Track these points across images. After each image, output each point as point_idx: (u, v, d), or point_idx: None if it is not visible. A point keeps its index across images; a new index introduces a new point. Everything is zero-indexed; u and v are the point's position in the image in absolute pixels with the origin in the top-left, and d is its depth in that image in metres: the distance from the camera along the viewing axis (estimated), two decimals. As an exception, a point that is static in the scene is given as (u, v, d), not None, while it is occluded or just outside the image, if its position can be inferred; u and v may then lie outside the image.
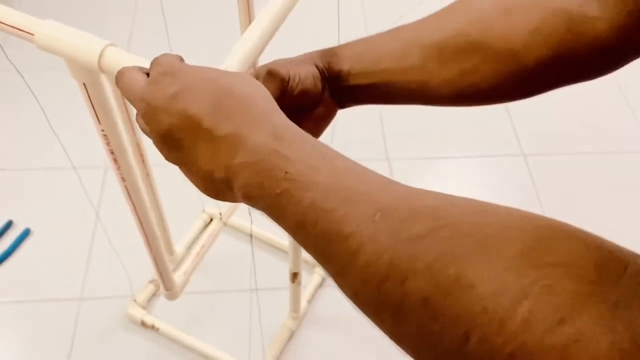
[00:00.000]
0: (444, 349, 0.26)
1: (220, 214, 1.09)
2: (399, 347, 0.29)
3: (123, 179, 0.70)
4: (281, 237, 1.27)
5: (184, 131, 0.35)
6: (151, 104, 0.37)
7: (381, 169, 1.44)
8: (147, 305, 1.18)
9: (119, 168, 0.68)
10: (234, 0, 0.78)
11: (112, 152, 0.66)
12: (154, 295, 1.20)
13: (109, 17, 1.75)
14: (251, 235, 1.28)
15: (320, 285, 1.23)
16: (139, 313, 1.15)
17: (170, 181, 1.16)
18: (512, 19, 0.44)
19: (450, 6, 0.48)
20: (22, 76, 0.78)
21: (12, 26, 0.52)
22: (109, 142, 0.65)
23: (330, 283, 1.24)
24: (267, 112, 0.36)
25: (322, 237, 0.31)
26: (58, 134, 1.50)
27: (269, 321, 1.16)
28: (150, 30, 1.70)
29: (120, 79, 0.41)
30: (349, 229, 0.30)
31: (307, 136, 0.35)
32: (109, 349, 1.14)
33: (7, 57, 0.76)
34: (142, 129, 0.39)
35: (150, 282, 1.18)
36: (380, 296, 0.28)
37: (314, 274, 1.23)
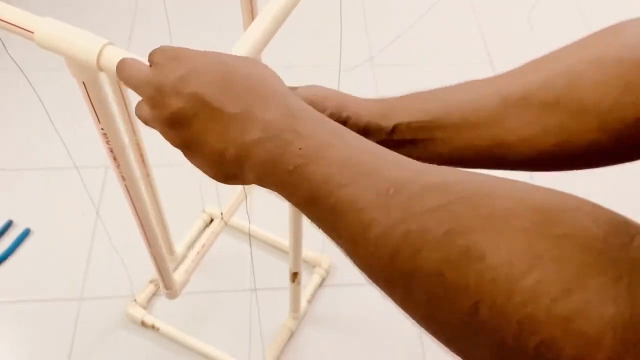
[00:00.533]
0: (454, 319, 0.27)
1: (222, 214, 1.09)
2: (409, 317, 0.30)
3: (123, 178, 0.70)
4: (281, 236, 1.27)
5: (194, 112, 0.35)
6: (159, 87, 0.36)
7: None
8: (147, 305, 1.18)
9: (118, 167, 0.68)
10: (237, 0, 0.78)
11: (111, 151, 0.66)
12: (154, 295, 1.20)
13: (109, 17, 1.74)
14: (250, 235, 1.28)
15: (320, 285, 1.23)
16: (139, 313, 1.15)
17: (171, 181, 1.17)
18: (606, 71, 0.38)
19: (534, 60, 0.43)
20: (25, 75, 0.78)
21: (12, 24, 0.52)
22: (109, 141, 0.65)
23: (330, 283, 1.24)
24: (280, 92, 0.36)
25: (335, 212, 0.31)
26: (58, 134, 1.50)
27: (269, 321, 1.16)
28: (151, 30, 1.70)
29: (122, 67, 0.41)
30: (362, 203, 0.30)
31: (321, 116, 0.35)
32: (109, 349, 1.14)
33: (9, 55, 0.75)
34: (144, 118, 0.39)
35: (151, 282, 1.18)
36: (392, 268, 0.29)
37: (314, 274, 1.23)
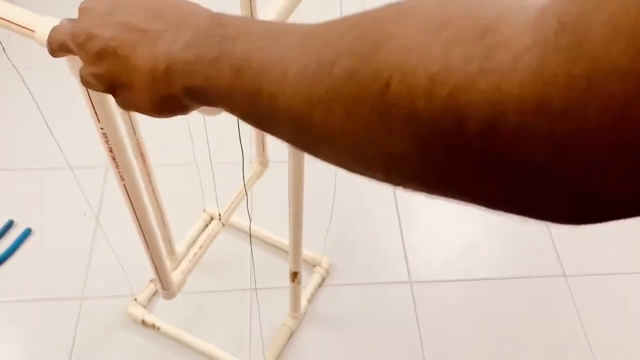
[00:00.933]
0: (368, 107, 0.25)
1: (219, 215, 1.09)
2: (338, 149, 0.29)
3: (122, 178, 0.71)
4: (282, 236, 1.27)
5: (121, 39, 0.35)
6: (84, 27, 0.37)
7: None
8: (147, 304, 1.18)
9: (117, 166, 0.69)
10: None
11: (111, 151, 0.66)
12: (154, 294, 1.20)
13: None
14: (250, 235, 1.29)
15: (320, 285, 1.24)
16: (139, 312, 1.15)
17: (171, 181, 1.17)
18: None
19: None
20: (22, 77, 0.78)
21: (13, 22, 0.52)
22: (108, 141, 0.65)
23: (330, 282, 1.24)
24: (204, 9, 0.36)
25: (258, 75, 0.30)
26: (59, 134, 1.51)
27: (269, 320, 1.16)
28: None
29: (50, 33, 0.42)
30: (279, 53, 0.30)
31: (250, 18, 0.36)
32: (110, 348, 1.15)
33: (7, 57, 0.76)
34: (82, 74, 0.39)
35: (151, 281, 1.19)
36: (312, 95, 0.27)
37: (314, 274, 1.24)
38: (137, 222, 0.78)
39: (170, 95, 0.35)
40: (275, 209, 1.37)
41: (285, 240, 1.24)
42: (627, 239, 1.34)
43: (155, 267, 0.87)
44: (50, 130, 0.83)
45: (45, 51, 0.57)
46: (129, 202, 0.75)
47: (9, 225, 1.30)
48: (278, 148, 1.17)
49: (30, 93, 0.81)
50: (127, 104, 0.38)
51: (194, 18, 0.35)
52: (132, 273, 1.24)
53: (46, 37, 0.51)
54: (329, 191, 1.39)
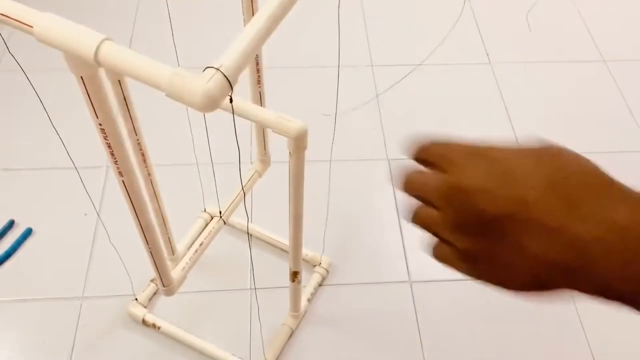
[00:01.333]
0: None
1: (220, 212, 1.09)
2: None
3: (120, 174, 0.71)
4: (282, 236, 1.28)
5: (514, 217, 0.30)
6: (464, 187, 0.32)
7: (381, 168, 1.45)
8: (148, 304, 1.19)
9: (116, 162, 0.69)
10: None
11: (109, 146, 0.66)
12: (155, 294, 1.21)
13: (109, 11, 1.75)
14: (249, 235, 1.29)
15: (320, 284, 1.24)
16: (140, 312, 1.15)
17: (171, 181, 1.17)
18: None
19: None
20: (26, 75, 0.79)
21: (11, 18, 0.53)
22: (107, 136, 0.65)
23: (330, 282, 1.25)
24: (614, 185, 0.32)
25: None
26: (60, 134, 1.51)
27: (269, 320, 1.16)
28: (152, 21, 1.71)
29: (408, 180, 0.37)
30: None
31: None
32: (111, 348, 1.15)
33: (10, 54, 0.76)
34: (425, 219, 0.34)
35: (152, 281, 1.19)
36: None
37: (314, 273, 1.24)
38: (136, 218, 0.78)
39: (557, 282, 0.31)
40: (275, 208, 1.37)
41: (285, 240, 1.24)
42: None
43: (155, 263, 0.88)
44: (55, 130, 0.83)
45: (46, 52, 0.57)
46: (128, 199, 0.75)
47: (10, 225, 1.30)
48: (279, 147, 1.17)
49: (37, 94, 0.81)
50: (475, 272, 0.34)
51: (610, 204, 0.30)
52: (133, 273, 1.24)
53: (41, 33, 0.52)
54: (329, 191, 1.39)
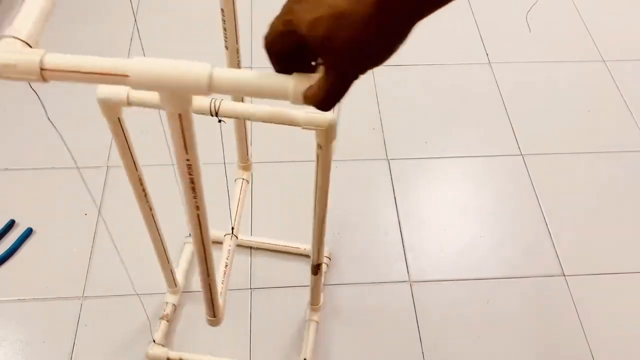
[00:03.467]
0: None
1: (232, 229, 1.08)
2: None
3: (197, 208, 0.67)
4: (277, 237, 1.28)
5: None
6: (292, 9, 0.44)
7: (381, 169, 1.45)
8: (165, 342, 1.16)
9: (195, 197, 0.65)
10: None
11: (192, 182, 0.63)
12: (168, 330, 1.18)
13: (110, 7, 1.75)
14: (250, 249, 1.29)
15: (325, 272, 1.24)
16: (161, 352, 1.13)
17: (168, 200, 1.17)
18: None
19: None
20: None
21: (104, 73, 0.49)
22: (191, 172, 0.61)
23: (329, 282, 1.25)
24: None
25: None
26: (60, 134, 1.50)
27: (282, 325, 1.16)
28: (153, 24, 1.71)
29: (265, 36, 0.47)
30: None
31: None
32: (111, 347, 1.15)
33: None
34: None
35: (161, 318, 1.17)
36: None
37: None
38: (202, 251, 0.75)
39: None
40: (263, 210, 1.38)
41: (281, 242, 1.26)
42: (627, 238, 1.35)
43: (211, 295, 0.85)
44: (57, 130, 0.83)
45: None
46: (199, 234, 0.72)
47: (10, 224, 1.30)
48: (260, 149, 1.17)
49: (37, 94, 0.81)
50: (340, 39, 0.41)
51: None
52: (133, 273, 1.24)
53: (139, 79, 0.49)
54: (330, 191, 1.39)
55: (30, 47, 0.50)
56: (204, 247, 0.75)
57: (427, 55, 1.73)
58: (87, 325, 1.17)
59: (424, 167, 1.47)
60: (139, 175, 0.83)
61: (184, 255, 1.26)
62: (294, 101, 0.48)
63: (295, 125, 0.72)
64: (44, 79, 0.48)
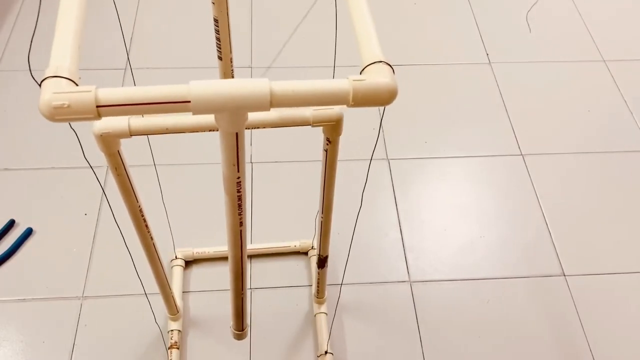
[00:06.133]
0: None
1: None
2: None
3: (241, 224, 0.67)
4: (280, 240, 1.28)
5: None
6: None
7: (381, 168, 1.45)
8: None
9: (240, 214, 0.65)
10: None
11: (239, 198, 0.62)
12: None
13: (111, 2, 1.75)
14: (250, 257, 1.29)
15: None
16: None
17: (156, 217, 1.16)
18: None
19: None
20: (32, 75, 0.79)
21: (164, 102, 0.47)
22: (240, 189, 0.61)
23: (329, 282, 1.25)
24: None
25: None
26: (60, 134, 1.51)
27: (284, 321, 1.16)
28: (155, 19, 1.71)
29: None
30: None
31: None
32: (111, 347, 1.15)
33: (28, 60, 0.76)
34: None
35: (170, 347, 1.14)
36: None
37: (312, 257, 1.26)
38: (238, 268, 0.75)
39: None
40: (268, 221, 1.38)
41: (272, 244, 1.28)
42: (627, 238, 1.35)
43: (243, 309, 0.86)
44: (57, 130, 0.83)
45: (46, 52, 0.57)
46: (239, 255, 0.72)
47: (11, 224, 1.30)
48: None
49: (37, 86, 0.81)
50: None
51: None
52: (133, 272, 1.24)
53: (201, 103, 0.47)
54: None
55: (76, 84, 0.47)
56: (241, 264, 0.74)
57: (427, 55, 1.73)
58: (87, 325, 1.17)
59: (424, 167, 1.47)
60: (139, 206, 0.80)
61: (175, 279, 1.24)
62: (355, 105, 0.48)
63: (305, 125, 0.73)
64: (99, 116, 0.46)
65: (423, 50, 1.74)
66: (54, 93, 0.45)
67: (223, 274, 1.25)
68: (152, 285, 1.22)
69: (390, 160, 1.47)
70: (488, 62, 1.72)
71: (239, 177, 0.60)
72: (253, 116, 0.70)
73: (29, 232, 1.29)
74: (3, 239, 1.29)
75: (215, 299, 1.22)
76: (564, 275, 1.28)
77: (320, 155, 0.79)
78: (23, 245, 1.28)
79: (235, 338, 0.95)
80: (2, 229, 1.29)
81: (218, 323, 1.19)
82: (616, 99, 1.64)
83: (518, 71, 1.70)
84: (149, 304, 1.19)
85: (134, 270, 1.24)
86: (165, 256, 1.21)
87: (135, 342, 1.16)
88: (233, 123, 0.52)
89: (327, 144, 0.77)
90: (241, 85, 0.47)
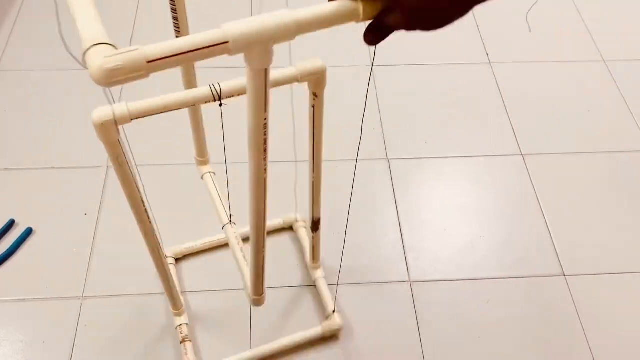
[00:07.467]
0: None
1: (230, 216, 1.09)
2: None
3: (265, 170, 0.69)
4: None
5: None
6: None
7: (381, 168, 1.45)
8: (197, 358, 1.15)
9: (265, 159, 0.67)
10: None
11: (265, 142, 0.65)
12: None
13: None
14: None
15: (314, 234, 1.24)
16: None
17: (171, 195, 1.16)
18: None
19: None
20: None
21: (205, 47, 0.49)
22: (266, 132, 0.64)
23: (329, 282, 1.25)
24: None
25: None
26: (60, 134, 1.51)
27: (270, 318, 1.16)
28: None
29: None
30: None
31: None
32: (111, 347, 1.15)
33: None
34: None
35: (182, 341, 1.14)
36: None
37: (299, 229, 1.30)
38: (261, 222, 0.77)
39: None
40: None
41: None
42: (627, 238, 1.35)
43: (262, 274, 0.89)
44: (57, 130, 0.84)
45: (45, 52, 0.57)
46: (262, 206, 0.74)
47: (10, 224, 1.30)
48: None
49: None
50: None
51: None
52: (133, 272, 1.24)
53: (239, 42, 0.50)
54: (329, 191, 1.39)
55: (116, 48, 0.50)
56: (264, 216, 0.76)
57: (427, 55, 1.73)
58: (87, 325, 1.17)
59: (424, 167, 1.47)
60: (141, 198, 0.81)
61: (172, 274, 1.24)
62: (365, 19, 0.54)
63: (291, 83, 0.76)
64: (148, 73, 0.49)
65: (423, 50, 1.74)
66: (106, 57, 0.47)
67: (213, 266, 1.25)
68: (153, 285, 1.22)
69: (390, 160, 1.47)
70: (488, 62, 1.72)
71: (266, 118, 0.62)
72: (236, 83, 0.74)
73: (29, 232, 1.29)
74: (3, 239, 1.29)
75: (212, 292, 1.22)
76: (564, 275, 1.28)
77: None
78: (23, 245, 1.28)
79: (253, 304, 0.96)
80: (2, 229, 1.29)
81: (219, 313, 1.19)
82: (616, 99, 1.64)
83: (518, 71, 1.71)
84: (149, 303, 1.19)
85: (134, 270, 1.24)
86: (136, 262, 1.22)
87: (135, 341, 1.16)
88: (263, 58, 0.54)
89: (314, 99, 0.80)
90: (266, 19, 0.51)
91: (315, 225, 1.06)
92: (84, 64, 0.48)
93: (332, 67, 1.71)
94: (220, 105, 0.74)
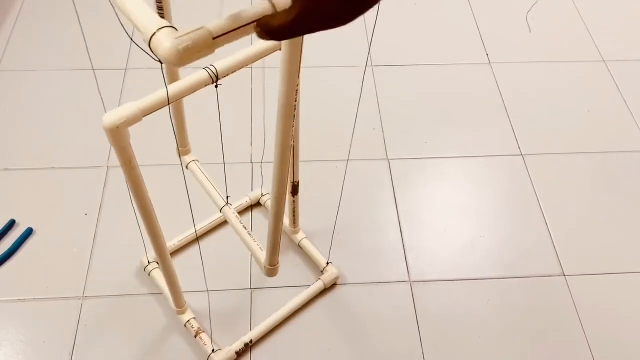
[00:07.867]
0: None
1: (227, 199, 1.10)
2: None
3: (292, 137, 0.72)
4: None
5: None
6: None
7: (381, 169, 1.45)
8: (214, 345, 1.15)
9: (292, 126, 0.70)
10: None
11: (295, 107, 0.67)
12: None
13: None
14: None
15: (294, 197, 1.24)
16: (226, 354, 1.13)
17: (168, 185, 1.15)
18: None
19: None
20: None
21: (259, 18, 0.52)
22: (297, 98, 0.67)
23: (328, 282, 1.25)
24: None
25: None
26: (60, 134, 1.51)
27: (265, 315, 1.16)
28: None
29: None
30: None
31: None
32: (111, 347, 1.15)
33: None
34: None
35: (196, 335, 1.14)
36: None
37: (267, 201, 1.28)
38: (276, 205, 0.79)
39: None
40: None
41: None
42: (627, 238, 1.35)
43: (277, 243, 0.90)
44: (58, 130, 0.84)
45: (46, 52, 0.57)
46: (286, 169, 0.75)
47: (11, 224, 1.30)
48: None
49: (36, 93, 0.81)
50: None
51: None
52: (133, 272, 1.24)
53: (285, 3, 0.51)
54: (329, 191, 1.39)
55: (177, 29, 0.51)
56: (285, 185, 0.78)
57: (427, 55, 1.73)
58: (87, 325, 1.17)
59: (424, 167, 1.47)
60: (149, 201, 0.81)
61: (161, 280, 1.23)
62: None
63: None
64: (213, 49, 0.51)
65: (423, 50, 1.75)
66: (176, 38, 0.48)
67: (193, 262, 1.25)
68: (153, 285, 1.22)
69: (390, 160, 1.47)
70: (488, 62, 1.72)
71: (297, 84, 0.65)
72: (232, 59, 0.75)
73: (29, 232, 1.29)
74: (3, 239, 1.29)
75: (204, 287, 1.22)
76: (564, 275, 1.28)
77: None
78: (23, 245, 1.28)
79: (267, 274, 0.97)
80: (2, 229, 1.29)
81: (217, 302, 1.19)
82: (616, 99, 1.64)
83: (518, 71, 1.71)
84: (149, 303, 1.20)
85: (134, 270, 1.24)
86: (136, 262, 1.22)
87: (135, 341, 1.16)
88: None
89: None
90: None
91: (294, 189, 1.08)
92: (150, 51, 0.50)
93: (332, 67, 1.71)
94: (216, 86, 0.75)
